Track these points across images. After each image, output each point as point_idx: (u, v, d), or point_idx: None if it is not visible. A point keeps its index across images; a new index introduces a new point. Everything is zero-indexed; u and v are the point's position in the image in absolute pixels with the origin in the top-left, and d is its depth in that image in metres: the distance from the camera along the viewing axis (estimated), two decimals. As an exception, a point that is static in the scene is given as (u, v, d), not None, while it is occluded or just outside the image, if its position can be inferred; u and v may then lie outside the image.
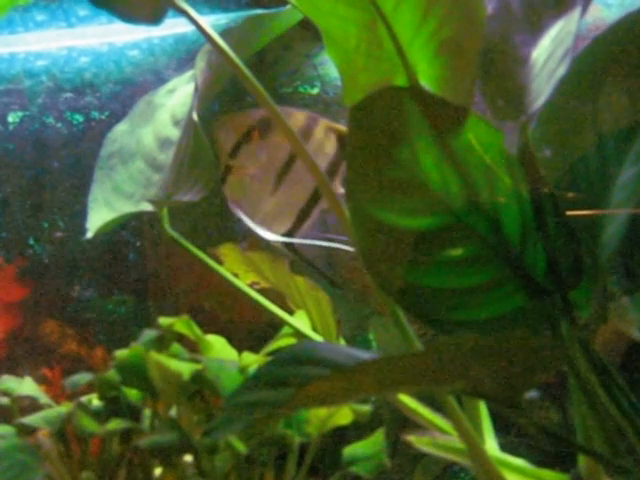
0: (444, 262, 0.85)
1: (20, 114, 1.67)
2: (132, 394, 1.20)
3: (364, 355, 0.74)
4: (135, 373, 1.14)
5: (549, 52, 0.83)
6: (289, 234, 1.11)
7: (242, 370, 1.12)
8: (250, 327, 1.54)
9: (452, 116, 0.83)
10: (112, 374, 1.16)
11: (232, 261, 1.21)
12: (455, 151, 0.82)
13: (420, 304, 0.87)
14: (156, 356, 1.09)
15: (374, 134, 0.82)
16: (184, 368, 1.11)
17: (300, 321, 1.17)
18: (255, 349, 1.23)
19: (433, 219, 0.83)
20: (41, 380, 1.40)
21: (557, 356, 0.79)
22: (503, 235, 0.84)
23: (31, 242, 1.65)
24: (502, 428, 1.05)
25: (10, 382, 1.28)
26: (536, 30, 0.88)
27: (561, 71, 0.77)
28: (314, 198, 1.11)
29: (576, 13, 0.80)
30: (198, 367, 1.11)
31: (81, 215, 1.30)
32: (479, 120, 0.83)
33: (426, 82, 0.97)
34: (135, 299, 1.63)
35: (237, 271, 1.20)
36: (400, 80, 0.97)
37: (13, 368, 1.57)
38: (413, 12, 0.94)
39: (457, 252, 0.85)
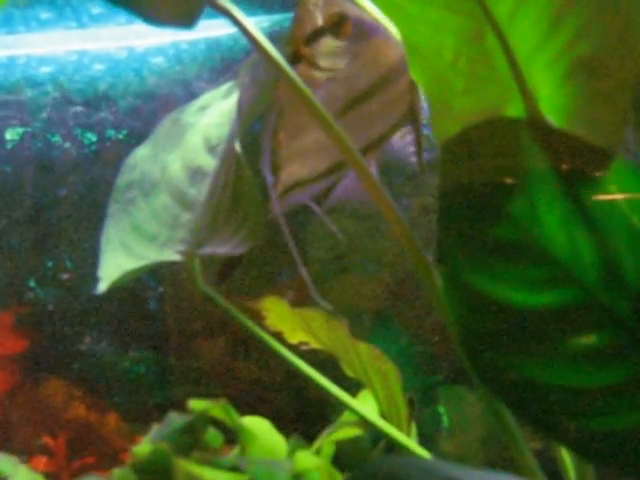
0: (571, 352, 0.76)
1: (20, 130, 1.64)
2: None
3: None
4: (157, 478, 0.97)
5: None
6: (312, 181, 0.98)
7: (297, 477, 0.98)
8: (294, 393, 1.46)
9: (589, 161, 0.75)
10: (127, 475, 0.99)
11: (276, 317, 1.14)
12: (590, 207, 0.75)
13: (535, 405, 0.78)
14: (185, 465, 0.91)
15: (477, 178, 0.76)
16: (223, 480, 0.94)
17: (365, 404, 1.09)
18: (303, 424, 1.18)
19: (557, 295, 0.75)
20: (42, 450, 1.35)
21: None
22: (651, 320, 0.76)
23: (32, 285, 1.61)
24: None
25: (4, 463, 1.15)
26: None
27: None
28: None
29: None
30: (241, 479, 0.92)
31: (92, 253, 1.21)
32: (627, 168, 0.75)
33: (551, 113, 0.87)
34: (156, 356, 1.57)
35: (282, 328, 1.14)
36: (514, 109, 0.88)
37: (8, 436, 1.49)
38: (537, 20, 0.84)
39: (588, 339, 0.76)
